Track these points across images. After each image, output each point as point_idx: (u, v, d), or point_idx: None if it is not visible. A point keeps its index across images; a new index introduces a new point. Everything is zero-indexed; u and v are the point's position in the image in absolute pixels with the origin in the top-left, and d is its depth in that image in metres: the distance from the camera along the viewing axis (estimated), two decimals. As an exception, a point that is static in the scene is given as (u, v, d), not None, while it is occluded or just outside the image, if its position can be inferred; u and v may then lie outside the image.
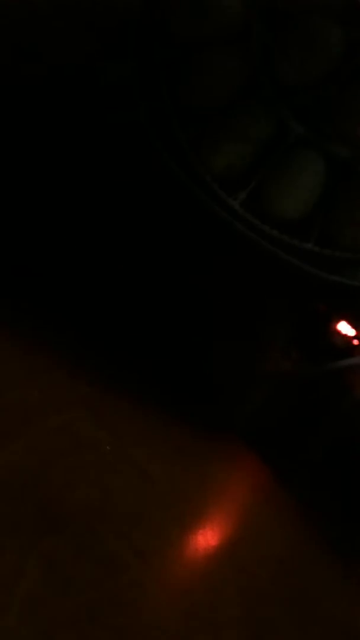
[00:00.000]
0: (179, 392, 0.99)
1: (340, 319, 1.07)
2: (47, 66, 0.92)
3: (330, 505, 0.93)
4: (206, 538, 0.77)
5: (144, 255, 0.99)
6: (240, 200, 0.87)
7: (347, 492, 0.94)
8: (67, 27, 0.93)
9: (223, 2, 0.90)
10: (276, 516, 0.89)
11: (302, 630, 0.73)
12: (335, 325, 1.08)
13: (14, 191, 0.95)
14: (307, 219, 0.89)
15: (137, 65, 0.89)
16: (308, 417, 1.00)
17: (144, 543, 0.69)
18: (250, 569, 0.76)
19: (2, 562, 0.57)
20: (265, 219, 0.88)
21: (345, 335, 1.08)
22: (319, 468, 0.97)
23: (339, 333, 1.08)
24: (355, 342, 1.08)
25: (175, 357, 1.00)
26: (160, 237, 0.97)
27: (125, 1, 0.92)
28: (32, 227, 0.95)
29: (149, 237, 0.98)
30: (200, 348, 1.02)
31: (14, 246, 0.95)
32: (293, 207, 0.89)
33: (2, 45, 0.92)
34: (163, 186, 0.89)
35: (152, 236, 0.98)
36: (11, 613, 0.53)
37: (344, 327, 1.08)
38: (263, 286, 0.98)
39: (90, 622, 0.57)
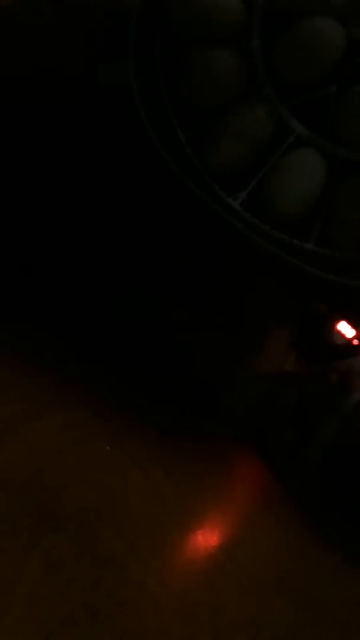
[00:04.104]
0: (179, 392, 0.99)
1: (340, 319, 1.07)
2: (47, 66, 0.92)
3: (330, 506, 0.93)
4: (206, 538, 0.77)
5: (145, 255, 0.99)
6: (240, 200, 0.87)
7: (347, 492, 0.94)
8: (67, 26, 0.93)
9: (223, 2, 0.90)
10: (276, 516, 0.89)
11: (302, 631, 0.73)
12: (335, 325, 1.08)
13: (14, 191, 0.95)
14: (307, 219, 0.89)
15: (137, 65, 0.89)
16: (308, 417, 1.00)
17: (144, 543, 0.69)
18: (250, 569, 0.76)
19: (2, 562, 0.57)
20: (265, 219, 0.88)
21: (345, 335, 1.08)
22: (318, 468, 0.96)
23: (339, 333, 1.08)
24: (355, 342, 1.08)
25: (175, 358, 1.00)
26: (160, 237, 0.97)
27: (125, 1, 0.92)
28: (30, 228, 0.95)
29: (149, 237, 0.98)
30: (200, 348, 1.02)
31: (13, 248, 0.95)
32: (293, 207, 0.89)
33: (3, 45, 0.92)
34: (163, 186, 0.89)
35: (152, 236, 0.98)
36: (11, 613, 0.53)
37: (344, 327, 1.08)
38: (263, 286, 0.99)
39: (90, 622, 0.57)
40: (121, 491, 0.74)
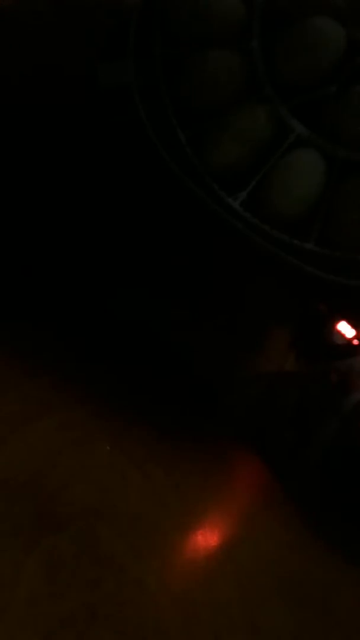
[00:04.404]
0: (179, 392, 0.99)
1: (340, 319, 1.07)
2: (47, 66, 0.92)
3: (330, 506, 0.93)
4: (206, 538, 0.77)
5: (144, 255, 0.99)
6: (240, 200, 0.87)
7: (347, 492, 0.94)
8: (67, 26, 0.93)
9: (223, 2, 0.90)
10: (276, 516, 0.89)
11: (302, 631, 0.73)
12: (335, 325, 1.08)
13: (14, 191, 0.95)
14: (307, 219, 0.89)
15: (137, 65, 0.89)
16: (308, 417, 1.00)
17: (144, 543, 0.69)
18: (250, 569, 0.76)
19: (2, 562, 0.57)
20: (265, 219, 0.88)
21: (345, 335, 1.08)
22: (318, 468, 0.96)
23: (339, 333, 1.08)
24: (355, 342, 1.08)
25: (175, 358, 1.00)
26: (160, 237, 0.97)
27: (125, 1, 0.92)
28: (30, 228, 0.95)
29: (149, 237, 0.98)
30: (200, 348, 1.02)
31: (13, 248, 0.95)
32: (293, 207, 0.89)
33: (3, 45, 0.92)
34: (163, 186, 0.89)
35: (152, 236, 0.98)
36: (11, 613, 0.53)
37: (344, 327, 1.08)
38: (263, 286, 0.99)
39: (90, 622, 0.57)
40: (121, 491, 0.74)
